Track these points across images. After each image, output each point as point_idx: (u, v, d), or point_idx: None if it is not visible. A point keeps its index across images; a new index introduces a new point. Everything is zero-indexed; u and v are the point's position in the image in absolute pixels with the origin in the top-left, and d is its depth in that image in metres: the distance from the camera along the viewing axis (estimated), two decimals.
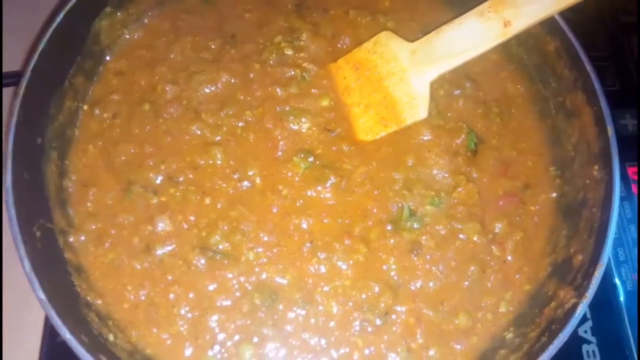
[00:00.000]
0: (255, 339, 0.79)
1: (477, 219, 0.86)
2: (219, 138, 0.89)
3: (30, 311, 0.92)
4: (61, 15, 0.85)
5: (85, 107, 0.93)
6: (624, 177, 1.04)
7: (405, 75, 0.89)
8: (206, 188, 0.87)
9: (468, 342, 0.80)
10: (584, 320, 0.94)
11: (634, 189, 1.05)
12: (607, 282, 0.97)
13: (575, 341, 0.92)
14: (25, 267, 0.70)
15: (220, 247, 0.83)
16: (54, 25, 0.84)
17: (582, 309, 0.71)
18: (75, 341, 0.67)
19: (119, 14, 0.97)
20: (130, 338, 0.79)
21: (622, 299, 0.96)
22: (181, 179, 0.87)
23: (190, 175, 0.87)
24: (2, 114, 1.01)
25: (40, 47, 0.82)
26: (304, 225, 0.84)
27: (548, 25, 0.89)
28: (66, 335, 0.67)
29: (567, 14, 0.86)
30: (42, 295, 0.69)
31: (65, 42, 0.88)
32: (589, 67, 0.84)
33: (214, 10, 1.01)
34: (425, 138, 0.91)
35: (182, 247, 0.83)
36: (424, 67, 0.87)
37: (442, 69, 0.87)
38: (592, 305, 0.80)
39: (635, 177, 1.06)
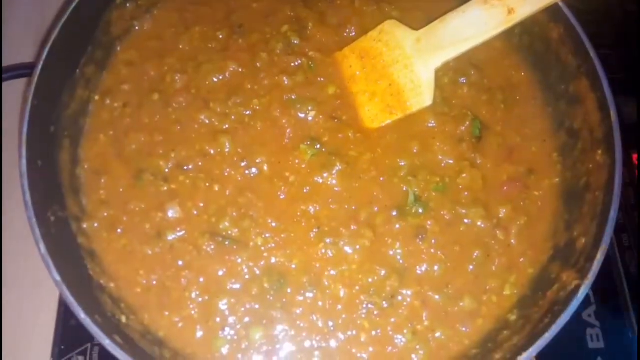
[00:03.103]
0: (265, 322, 0.81)
1: (482, 204, 0.87)
2: (227, 126, 0.91)
3: (45, 295, 0.95)
4: (72, 7, 0.87)
5: (96, 97, 0.95)
6: (627, 163, 1.05)
7: (410, 63, 0.90)
8: (215, 175, 0.88)
9: (473, 324, 0.82)
10: (588, 304, 0.95)
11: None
12: (611, 267, 0.98)
13: (579, 325, 0.94)
14: (40, 250, 0.72)
15: (230, 232, 0.85)
16: (66, 16, 0.86)
17: (584, 290, 0.72)
18: (89, 321, 0.69)
19: (128, 5, 0.98)
20: (143, 320, 0.81)
21: (626, 283, 0.97)
22: (190, 166, 0.89)
23: (200, 163, 0.89)
24: (1, 107, 1.04)
25: (52, 38, 0.84)
26: (311, 211, 0.86)
27: (552, 12, 0.89)
28: (81, 315, 0.69)
29: (572, 2, 0.87)
30: (58, 277, 0.71)
31: (77, 33, 0.89)
32: (592, 53, 0.85)
33: (221, 1, 1.02)
34: (430, 125, 0.92)
35: (192, 233, 0.85)
36: (428, 54, 0.89)
37: (447, 56, 0.88)
38: (596, 290, 0.82)
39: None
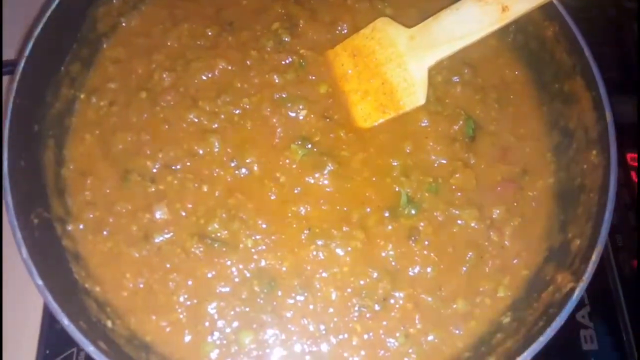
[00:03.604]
0: (255, 326, 0.79)
1: (475, 205, 0.86)
2: (216, 126, 0.89)
3: (30, 298, 0.92)
4: (56, 2, 0.84)
5: (82, 96, 0.93)
6: (622, 163, 1.04)
7: (403, 61, 0.88)
8: (204, 176, 0.86)
9: (466, 326, 0.81)
10: (581, 305, 0.94)
11: (633, 175, 1.05)
12: (605, 268, 0.97)
13: (573, 326, 0.93)
14: (22, 254, 0.70)
15: (219, 234, 0.83)
16: (49, 12, 0.84)
17: (579, 292, 0.72)
18: (73, 327, 0.67)
19: (115, 0, 0.96)
20: (129, 325, 0.79)
21: (619, 284, 0.96)
22: (179, 166, 0.87)
23: (188, 163, 0.87)
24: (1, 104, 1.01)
25: (35, 34, 0.82)
26: (302, 212, 0.84)
27: (546, 10, 0.88)
28: (64, 321, 0.67)
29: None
30: (40, 282, 0.69)
31: (61, 29, 0.87)
32: (587, 52, 0.84)
33: None
34: (423, 124, 0.91)
35: (181, 235, 0.83)
36: (422, 52, 0.87)
37: (441, 54, 0.86)
38: (590, 291, 0.81)
39: (634, 164, 1.05)
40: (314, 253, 0.82)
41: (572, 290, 0.72)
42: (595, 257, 0.72)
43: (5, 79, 0.99)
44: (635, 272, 0.97)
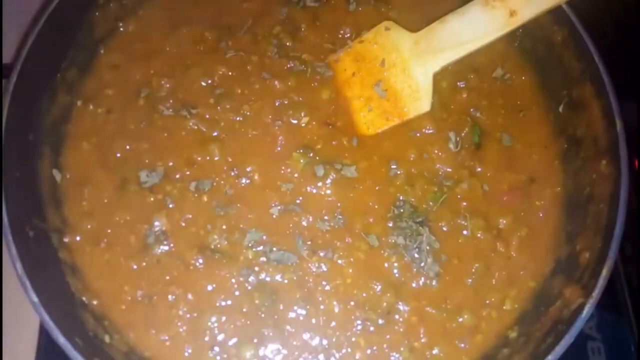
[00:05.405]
0: (256, 340, 0.77)
1: (481, 215, 0.84)
2: (216, 133, 0.87)
3: (28, 310, 0.90)
4: (52, 7, 0.82)
5: (78, 103, 0.90)
6: (632, 171, 1.01)
7: (408, 67, 0.86)
8: (203, 185, 0.84)
9: (472, 340, 0.79)
10: (589, 317, 0.92)
11: None
12: (613, 277, 0.95)
13: (580, 338, 0.90)
14: (17, 269, 0.68)
15: (219, 245, 0.81)
16: (45, 17, 0.82)
17: (589, 309, 0.70)
18: (69, 345, 0.66)
19: (112, 5, 0.94)
20: (128, 340, 0.77)
21: (628, 295, 0.94)
22: (178, 176, 0.85)
23: (188, 172, 0.85)
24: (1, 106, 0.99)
25: (30, 40, 0.80)
26: (304, 223, 0.83)
27: (555, 14, 0.86)
28: (60, 339, 0.66)
29: (576, 3, 0.84)
30: (35, 298, 0.67)
31: (57, 35, 0.85)
32: (597, 58, 0.82)
33: (210, 0, 0.98)
34: (428, 132, 0.89)
35: (180, 246, 0.81)
36: (426, 58, 0.85)
37: (446, 60, 0.84)
38: (598, 302, 0.79)
39: None
40: (316, 265, 0.81)
41: (582, 306, 0.70)
42: (605, 272, 0.71)
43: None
44: None
